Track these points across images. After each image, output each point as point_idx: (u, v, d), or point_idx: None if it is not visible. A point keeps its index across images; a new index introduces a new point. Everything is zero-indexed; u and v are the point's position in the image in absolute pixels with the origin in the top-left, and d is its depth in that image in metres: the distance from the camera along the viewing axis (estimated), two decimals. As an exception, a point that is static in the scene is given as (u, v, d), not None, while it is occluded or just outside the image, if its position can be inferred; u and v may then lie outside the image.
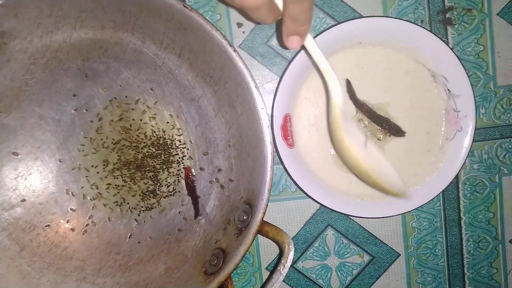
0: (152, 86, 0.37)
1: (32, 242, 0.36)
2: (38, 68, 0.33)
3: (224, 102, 0.34)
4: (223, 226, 0.35)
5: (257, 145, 0.32)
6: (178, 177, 0.39)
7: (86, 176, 0.38)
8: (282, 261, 0.31)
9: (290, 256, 0.31)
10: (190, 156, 0.39)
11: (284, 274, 0.32)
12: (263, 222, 0.32)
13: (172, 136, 0.38)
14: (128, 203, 0.39)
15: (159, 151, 0.39)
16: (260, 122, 0.30)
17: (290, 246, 0.31)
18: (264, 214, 0.32)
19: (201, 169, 0.38)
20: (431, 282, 0.44)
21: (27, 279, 0.35)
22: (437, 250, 0.43)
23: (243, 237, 0.31)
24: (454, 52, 0.37)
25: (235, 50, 0.30)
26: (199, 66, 0.34)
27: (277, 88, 0.36)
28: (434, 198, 0.39)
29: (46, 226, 0.37)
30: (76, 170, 0.38)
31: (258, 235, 0.33)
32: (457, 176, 0.43)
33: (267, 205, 0.32)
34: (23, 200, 0.36)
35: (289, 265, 0.32)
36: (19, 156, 0.36)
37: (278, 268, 0.31)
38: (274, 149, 0.32)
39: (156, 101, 0.38)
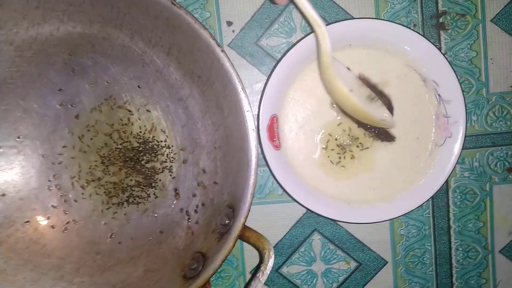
0: (140, 83, 0.39)
1: (9, 238, 0.38)
2: (23, 61, 0.36)
3: (212, 103, 0.36)
4: (205, 229, 0.37)
5: (242, 148, 0.33)
6: (163, 176, 0.40)
7: (69, 173, 0.40)
8: (262, 267, 0.32)
9: (270, 263, 0.33)
10: (173, 157, 0.40)
11: (263, 282, 0.33)
12: (245, 227, 0.33)
13: (158, 136, 0.40)
14: (110, 202, 0.40)
15: (144, 150, 0.40)
16: (246, 124, 0.32)
17: (271, 253, 0.32)
18: (246, 219, 0.33)
19: (186, 170, 0.40)
20: None
21: (1, 276, 0.37)
22: (425, 259, 0.45)
23: (224, 242, 0.33)
24: (445, 57, 0.38)
25: (222, 50, 0.31)
26: (188, 65, 0.36)
27: (264, 88, 0.38)
28: (422, 204, 0.40)
29: (25, 222, 0.38)
30: (59, 166, 0.40)
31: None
32: (447, 184, 0.44)
33: (249, 210, 0.33)
34: (3, 195, 0.38)
35: (268, 272, 0.33)
36: (1, 149, 0.38)
37: (257, 275, 0.32)
38: (259, 152, 0.34)
39: (143, 99, 0.39)
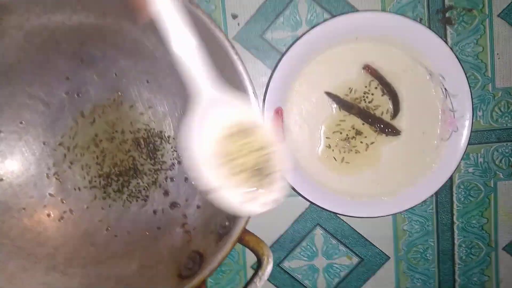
0: (148, 78, 0.47)
1: (4, 224, 0.46)
2: (32, 47, 0.44)
3: None
4: (204, 230, 0.44)
5: None
6: (165, 172, 0.49)
7: (69, 163, 0.48)
8: (259, 273, 0.39)
9: (268, 269, 0.39)
10: (177, 155, 0.49)
11: (260, 287, 0.39)
12: (245, 231, 0.39)
13: (162, 132, 0.48)
14: (109, 195, 0.49)
15: (147, 146, 0.49)
16: None
17: (270, 259, 0.39)
18: (247, 223, 0.39)
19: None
20: (421, 287, 0.53)
21: (-7, 262, 0.40)
22: (428, 255, 0.52)
23: (223, 244, 0.39)
24: (452, 50, 0.45)
25: (236, 53, 0.38)
26: None
27: (269, 80, 0.45)
28: (426, 200, 0.47)
29: (21, 209, 0.47)
30: (60, 155, 0.48)
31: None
32: (451, 179, 0.51)
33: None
34: (0, 180, 0.47)
35: (266, 278, 0.39)
36: (2, 134, 0.46)
37: (254, 280, 0.39)
38: None
39: (151, 95, 0.48)
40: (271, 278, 0.54)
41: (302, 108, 0.50)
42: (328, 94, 0.50)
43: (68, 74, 0.48)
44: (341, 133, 0.50)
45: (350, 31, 0.48)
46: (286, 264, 0.54)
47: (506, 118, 0.52)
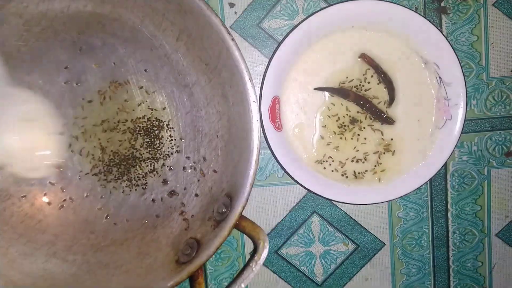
0: (146, 67, 0.47)
1: (5, 211, 0.47)
2: (31, 36, 0.44)
3: (217, 92, 0.45)
4: (201, 216, 0.45)
5: (245, 138, 0.41)
6: (164, 161, 0.50)
7: (69, 151, 0.49)
8: (255, 257, 0.40)
9: (264, 253, 0.40)
10: (174, 143, 0.49)
11: (256, 271, 0.39)
12: (241, 217, 0.40)
13: (161, 121, 0.49)
14: (109, 183, 0.50)
15: (146, 134, 0.49)
16: (250, 115, 0.40)
17: (265, 244, 0.40)
18: (243, 209, 0.39)
19: (187, 157, 0.49)
20: (416, 273, 0.54)
21: (-6, 247, 0.41)
22: (422, 241, 0.53)
23: (220, 230, 0.40)
24: (446, 38, 0.46)
25: (233, 39, 0.39)
26: (196, 52, 0.44)
27: (267, 68, 0.45)
28: (420, 187, 0.48)
29: (22, 196, 0.48)
30: (59, 143, 0.49)
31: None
32: (445, 167, 0.52)
33: (247, 200, 0.39)
34: (1, 168, 0.47)
35: (262, 263, 0.39)
36: None
37: (250, 264, 0.39)
38: (261, 139, 0.40)
39: (149, 83, 0.48)
40: (269, 265, 0.55)
41: (299, 96, 0.51)
42: (319, 89, 0.51)
43: (67, 63, 0.48)
44: (337, 120, 0.52)
45: (346, 19, 0.49)
46: (283, 251, 0.56)
47: (500, 107, 0.54)
